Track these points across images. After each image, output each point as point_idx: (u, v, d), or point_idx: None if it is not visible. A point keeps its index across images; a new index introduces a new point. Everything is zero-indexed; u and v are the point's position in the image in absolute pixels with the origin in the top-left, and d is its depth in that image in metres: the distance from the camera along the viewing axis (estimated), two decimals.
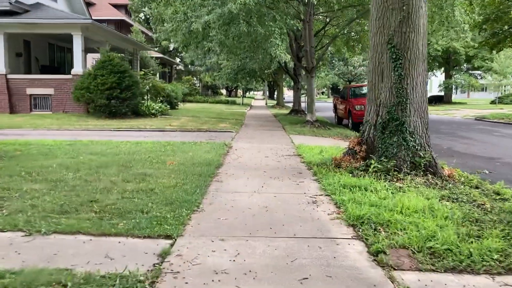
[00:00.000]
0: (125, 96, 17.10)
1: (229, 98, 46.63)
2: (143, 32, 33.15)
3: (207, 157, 8.54)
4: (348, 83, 74.49)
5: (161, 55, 36.60)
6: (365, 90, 21.74)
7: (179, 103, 28.13)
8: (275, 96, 71.88)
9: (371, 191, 5.86)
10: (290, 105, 44.52)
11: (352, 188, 6.00)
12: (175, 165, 7.59)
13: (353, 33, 24.01)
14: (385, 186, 6.16)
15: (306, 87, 21.07)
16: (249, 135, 13.72)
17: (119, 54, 22.46)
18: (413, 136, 7.04)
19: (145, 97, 20.76)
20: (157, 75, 34.38)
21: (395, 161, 6.90)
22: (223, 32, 14.23)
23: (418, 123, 7.12)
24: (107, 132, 13.81)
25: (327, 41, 24.52)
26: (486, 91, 65.57)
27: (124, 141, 10.97)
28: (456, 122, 23.73)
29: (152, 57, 32.69)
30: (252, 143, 11.49)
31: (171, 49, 55.41)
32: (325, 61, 35.00)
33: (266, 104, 46.62)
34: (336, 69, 69.56)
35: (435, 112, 33.25)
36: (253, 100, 62.54)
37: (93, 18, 23.01)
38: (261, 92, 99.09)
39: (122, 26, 34.13)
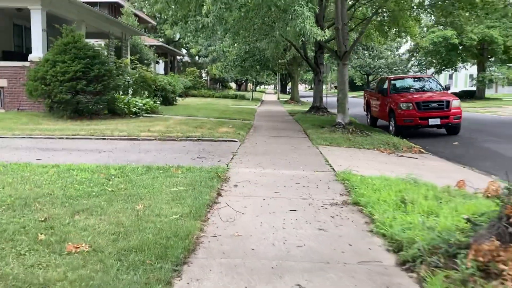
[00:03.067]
0: (94, 89, 12.72)
1: (238, 93, 42.17)
2: (136, 16, 28.75)
3: (167, 223, 4.01)
4: (366, 76, 69.62)
5: (159, 43, 32.24)
6: (412, 83, 17.21)
7: (178, 98, 23.77)
8: (287, 90, 67.40)
9: None
10: (305, 100, 40.12)
11: None
12: (80, 256, 3.19)
13: (386, 15, 19.41)
14: None
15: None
16: (258, 149, 9.25)
17: (98, 42, 18.19)
18: None
19: (129, 91, 16.42)
20: (153, 65, 30.06)
21: None
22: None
23: None
24: (54, 141, 9.49)
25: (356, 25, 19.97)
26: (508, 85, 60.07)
27: (52, 164, 6.57)
28: (502, 122, 18.93)
29: (149, 45, 28.31)
30: (263, 168, 7.02)
31: (176, 39, 51.19)
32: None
33: (278, 99, 42.08)
34: (353, 61, 64.57)
35: (474, 110, 28.31)
36: (263, 94, 57.98)
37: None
38: (272, 86, 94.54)
39: (116, 10, 30.00)
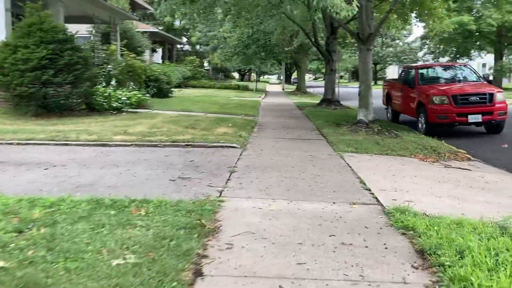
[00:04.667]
0: (63, 80, 10.45)
1: (241, 83, 39.70)
2: (132, 0, 26.35)
3: None
4: (373, 66, 66.80)
5: (155, 30, 29.79)
6: (443, 72, 14.75)
7: (174, 89, 21.43)
8: (291, 80, 64.83)
9: None
10: (311, 90, 37.64)
11: None
12: None
13: None
14: None
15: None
16: (265, 160, 6.95)
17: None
18: None
19: (112, 82, 14.14)
20: (149, 53, 27.71)
21: None
22: None
23: None
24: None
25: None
26: None
27: None
28: None
29: (142, 32, 25.90)
30: (273, 198, 4.71)
31: (175, 27, 48.66)
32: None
33: (283, 89, 39.64)
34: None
35: None
36: (267, 84, 55.43)
37: None
38: (276, 76, 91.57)
39: None
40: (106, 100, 12.01)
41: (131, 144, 7.79)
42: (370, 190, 5.20)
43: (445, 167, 7.47)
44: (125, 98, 12.46)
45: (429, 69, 14.32)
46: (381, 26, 12.23)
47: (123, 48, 16.02)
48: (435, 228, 3.54)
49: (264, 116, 14.27)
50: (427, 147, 9.01)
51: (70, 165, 6.16)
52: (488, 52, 45.08)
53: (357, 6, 7.88)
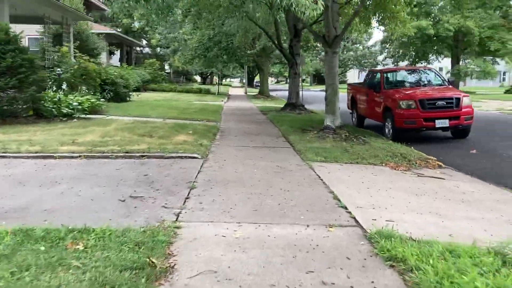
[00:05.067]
0: (5, 84, 9.48)
1: (202, 86, 38.86)
2: (87, 1, 25.11)
3: None
4: None
5: (112, 31, 28.58)
6: (409, 75, 14.53)
7: (132, 93, 20.44)
8: (254, 83, 64.45)
9: None
10: (274, 94, 37.20)
11: None
12: None
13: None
14: None
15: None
16: (228, 173, 6.32)
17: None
18: None
19: (63, 86, 13.16)
20: (106, 56, 26.55)
21: None
22: None
23: None
24: None
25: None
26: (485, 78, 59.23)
27: None
28: (502, 121, 16.68)
29: (98, 34, 24.72)
30: (238, 220, 4.08)
31: (135, 29, 47.24)
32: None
33: (246, 93, 39.10)
34: (322, 53, 62.02)
35: None
36: (230, 88, 54.73)
37: None
38: (238, 80, 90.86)
39: None
40: (55, 106, 11.07)
41: (79, 156, 6.99)
42: (346, 207, 4.68)
43: (418, 176, 7.10)
44: (76, 103, 11.54)
45: (395, 73, 14.09)
46: (347, 29, 11.84)
47: (76, 50, 14.98)
48: (429, 260, 3.03)
49: (226, 122, 13.65)
50: (397, 154, 8.65)
51: (2, 183, 5.34)
52: (445, 56, 46.21)
53: (323, 5, 7.39)
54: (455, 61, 41.74)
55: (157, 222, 3.97)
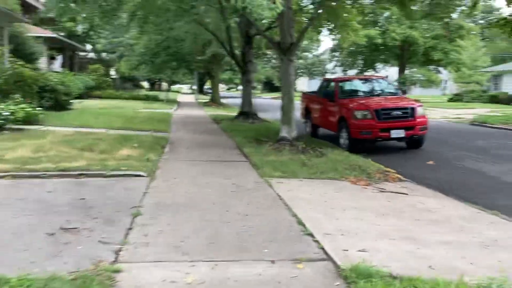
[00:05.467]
0: None
1: (150, 93, 37.59)
2: (25, 2, 23.44)
3: None
4: None
5: (53, 35, 26.92)
6: (363, 85, 14.32)
7: (74, 101, 19.14)
8: (204, 90, 63.53)
9: None
10: (226, 101, 36.53)
11: None
12: None
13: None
14: None
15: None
16: (178, 194, 5.64)
17: None
18: None
19: None
20: (46, 61, 24.96)
21: None
22: None
23: None
24: None
25: None
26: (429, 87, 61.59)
27: None
28: (449, 129, 17.02)
29: (36, 37, 23.11)
30: (191, 259, 3.43)
31: (78, 32, 45.15)
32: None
33: (196, 100, 38.23)
34: (272, 61, 62.06)
35: None
36: (179, 94, 53.56)
37: None
38: (188, 86, 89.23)
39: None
40: None
41: (5, 176, 6.07)
42: (312, 235, 4.16)
43: (381, 191, 6.75)
44: (8, 113, 10.41)
45: (349, 82, 13.92)
46: (303, 36, 11.48)
47: (10, 55, 13.73)
48: None
49: (176, 132, 12.90)
50: (355, 167, 8.32)
51: None
52: (392, 65, 47.54)
53: (281, 3, 6.90)
54: (401, 70, 42.98)
55: (92, 263, 3.26)
